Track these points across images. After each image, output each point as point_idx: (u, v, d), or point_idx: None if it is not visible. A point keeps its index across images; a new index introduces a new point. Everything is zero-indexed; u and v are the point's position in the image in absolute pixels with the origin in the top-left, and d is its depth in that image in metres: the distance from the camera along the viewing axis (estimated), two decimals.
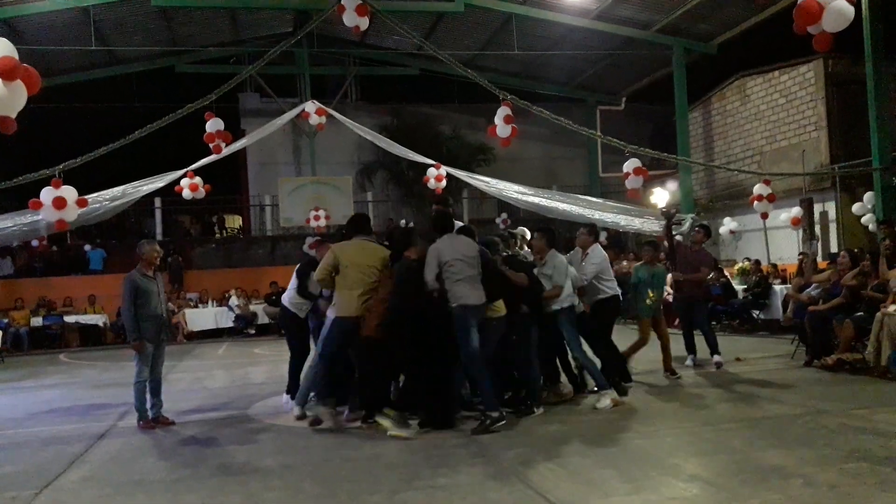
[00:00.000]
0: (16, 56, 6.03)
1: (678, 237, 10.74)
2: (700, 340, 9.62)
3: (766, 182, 14.34)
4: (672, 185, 20.19)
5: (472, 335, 6.40)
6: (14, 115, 6.21)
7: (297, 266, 7.95)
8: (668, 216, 9.94)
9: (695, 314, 9.62)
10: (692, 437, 5.95)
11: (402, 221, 20.84)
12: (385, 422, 6.45)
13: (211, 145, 12.64)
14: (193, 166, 14.25)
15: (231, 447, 6.30)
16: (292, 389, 7.82)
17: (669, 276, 10.12)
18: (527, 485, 4.82)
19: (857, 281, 8.99)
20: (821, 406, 6.90)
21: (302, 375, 7.63)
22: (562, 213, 15.72)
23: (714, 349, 9.45)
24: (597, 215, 15.51)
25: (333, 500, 4.66)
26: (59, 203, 10.41)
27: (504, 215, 21.52)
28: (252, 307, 18.96)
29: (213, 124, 12.67)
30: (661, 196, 10.80)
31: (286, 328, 8.15)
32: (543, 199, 15.85)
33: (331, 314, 6.90)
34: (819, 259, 14.40)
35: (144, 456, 6.18)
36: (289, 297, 7.88)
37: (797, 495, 4.36)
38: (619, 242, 21.85)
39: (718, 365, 9.29)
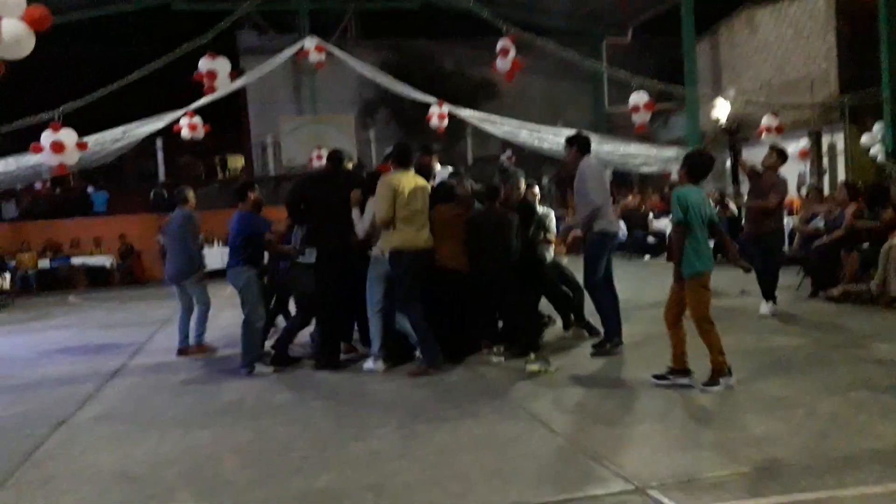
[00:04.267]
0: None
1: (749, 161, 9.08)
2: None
3: (774, 114, 14.14)
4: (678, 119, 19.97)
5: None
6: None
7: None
8: (732, 132, 8.85)
9: (765, 252, 8.17)
10: (695, 368, 5.96)
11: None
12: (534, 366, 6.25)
13: (205, 85, 12.48)
14: (193, 106, 14.12)
15: (242, 384, 6.38)
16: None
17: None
18: (532, 416, 4.90)
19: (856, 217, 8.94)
20: (825, 337, 6.96)
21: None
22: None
23: (771, 293, 8.20)
24: (607, 147, 15.43)
25: (343, 434, 4.75)
26: (58, 147, 10.36)
27: (509, 151, 21.30)
28: None
29: (213, 63, 12.48)
30: (721, 109, 9.39)
31: None
32: (545, 138, 15.66)
33: (380, 253, 6.38)
34: (826, 191, 14.29)
35: (157, 394, 6.28)
36: None
37: (799, 424, 4.43)
38: (625, 179, 21.69)
39: (763, 315, 8.09)
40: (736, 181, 8.55)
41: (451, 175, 7.42)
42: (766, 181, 8.25)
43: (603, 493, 3.59)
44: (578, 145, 6.81)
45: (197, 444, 4.75)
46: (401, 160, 6.46)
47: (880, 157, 13.92)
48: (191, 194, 8.07)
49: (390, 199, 6.18)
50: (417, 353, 6.55)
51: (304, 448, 4.52)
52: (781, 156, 8.49)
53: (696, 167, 5.49)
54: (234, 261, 6.89)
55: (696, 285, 5.28)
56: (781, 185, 8.32)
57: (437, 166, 7.80)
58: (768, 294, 8.24)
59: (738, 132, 8.36)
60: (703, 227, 5.32)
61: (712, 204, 5.93)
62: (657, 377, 5.51)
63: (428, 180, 6.78)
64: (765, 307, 8.19)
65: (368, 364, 6.56)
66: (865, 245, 8.64)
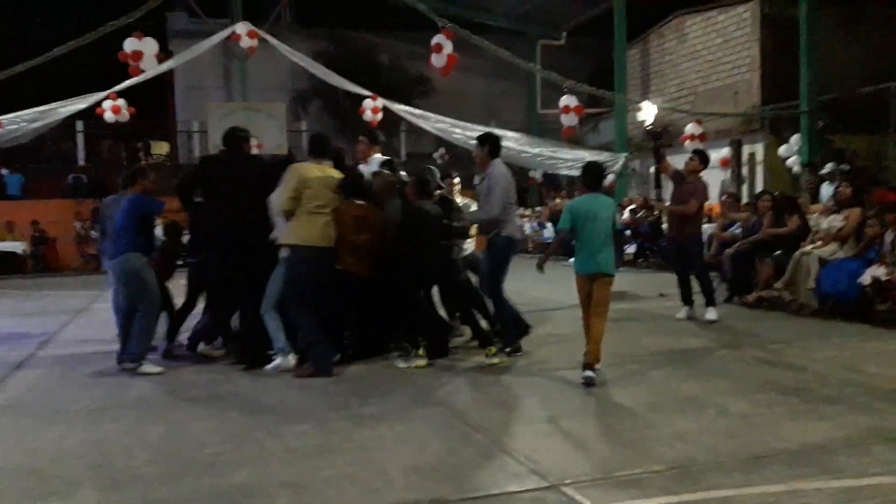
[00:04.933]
0: None
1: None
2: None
3: (698, 122, 14.58)
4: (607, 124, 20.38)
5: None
6: None
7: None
8: (655, 135, 8.59)
9: (687, 257, 8.34)
10: (615, 368, 6.11)
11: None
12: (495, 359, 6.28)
13: (130, 66, 12.07)
14: (117, 88, 13.64)
15: (154, 378, 6.16)
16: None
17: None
18: (453, 413, 4.91)
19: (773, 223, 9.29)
20: (738, 340, 7.19)
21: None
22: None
23: (709, 299, 8.23)
24: (536, 150, 15.63)
25: (259, 431, 4.64)
26: None
27: (442, 149, 21.37)
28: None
29: (140, 44, 12.07)
30: (648, 111, 9.04)
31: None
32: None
33: (285, 247, 6.07)
34: (744, 199, 14.81)
35: (65, 385, 6.03)
36: None
37: (710, 423, 4.56)
38: (554, 181, 22.02)
39: (711, 321, 8.05)
40: (659, 185, 8.69)
41: (383, 164, 7.08)
42: (688, 186, 8.32)
43: (518, 490, 3.61)
44: (490, 146, 6.59)
45: (105, 438, 4.57)
46: (315, 150, 6.20)
47: (796, 168, 14.51)
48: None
49: (295, 189, 5.88)
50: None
51: (219, 444, 4.40)
52: (704, 161, 8.55)
53: (588, 176, 5.95)
54: (124, 246, 6.33)
55: (576, 280, 5.82)
56: (702, 190, 8.40)
57: (378, 156, 7.40)
58: (686, 298, 8.41)
59: (663, 136, 8.36)
60: (595, 232, 5.61)
61: (616, 211, 6.15)
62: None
63: (342, 169, 6.46)
64: (682, 312, 8.37)
65: (277, 361, 6.12)
66: (778, 253, 8.98)
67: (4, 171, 20.12)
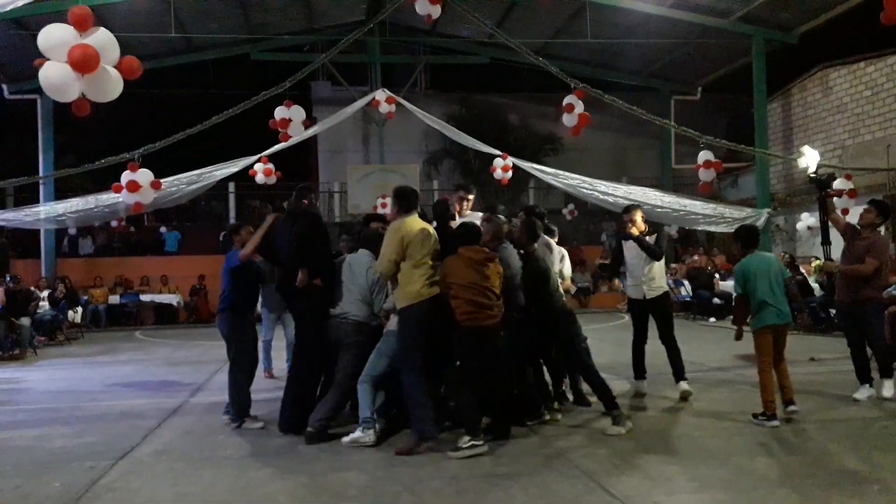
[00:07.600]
0: (118, 51, 6.25)
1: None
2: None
3: (848, 177, 13.78)
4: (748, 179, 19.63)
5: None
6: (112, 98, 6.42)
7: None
8: (822, 183, 7.32)
9: (859, 324, 7.17)
10: (763, 436, 5.77)
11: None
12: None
13: (280, 132, 12.85)
14: (267, 152, 14.62)
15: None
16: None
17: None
18: (589, 477, 4.77)
19: None
20: None
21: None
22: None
23: (886, 369, 7.10)
24: (672, 204, 15.30)
25: (396, 484, 4.70)
26: (133, 186, 10.81)
27: (571, 206, 21.30)
28: None
29: (289, 112, 12.87)
30: (810, 157, 7.66)
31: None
32: (610, 192, 15.54)
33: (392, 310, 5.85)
34: None
35: (214, 433, 6.34)
36: None
37: (872, 501, 4.19)
38: (690, 238, 21.40)
39: (886, 398, 6.96)
40: (826, 241, 7.37)
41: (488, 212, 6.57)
42: (863, 242, 7.15)
43: None
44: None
45: (250, 485, 4.77)
46: (411, 205, 5.82)
47: None
48: None
49: (397, 251, 5.56)
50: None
51: (358, 495, 4.50)
52: (883, 212, 7.33)
53: (747, 238, 6.59)
54: (220, 304, 6.98)
55: (757, 336, 6.32)
56: (881, 246, 7.18)
57: (467, 211, 7.10)
58: (864, 374, 7.10)
59: (830, 184, 7.30)
60: (767, 288, 6.22)
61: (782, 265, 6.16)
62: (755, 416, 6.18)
63: (447, 221, 6.27)
64: (862, 391, 7.05)
65: (356, 434, 5.71)
66: None
67: (163, 229, 21.84)
